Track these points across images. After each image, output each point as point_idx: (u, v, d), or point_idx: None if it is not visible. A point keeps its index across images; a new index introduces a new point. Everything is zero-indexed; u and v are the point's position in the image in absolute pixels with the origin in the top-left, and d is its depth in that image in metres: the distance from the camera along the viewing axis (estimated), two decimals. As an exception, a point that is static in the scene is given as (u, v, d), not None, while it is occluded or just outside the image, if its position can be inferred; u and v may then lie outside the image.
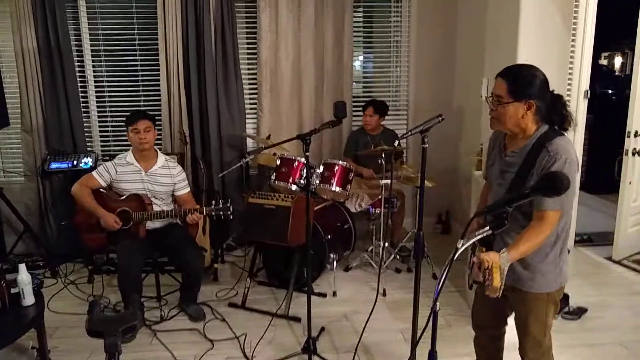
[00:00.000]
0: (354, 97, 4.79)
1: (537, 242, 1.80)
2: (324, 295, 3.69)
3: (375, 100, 4.42)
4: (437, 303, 1.60)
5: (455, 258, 1.53)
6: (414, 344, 2.26)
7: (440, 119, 2.17)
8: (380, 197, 3.92)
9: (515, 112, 1.83)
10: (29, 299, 2.41)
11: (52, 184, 4.35)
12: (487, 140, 2.21)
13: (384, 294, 3.69)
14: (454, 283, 3.75)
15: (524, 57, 2.82)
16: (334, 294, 3.71)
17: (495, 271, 1.61)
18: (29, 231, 4.22)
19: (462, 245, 1.53)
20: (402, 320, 3.33)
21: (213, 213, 3.20)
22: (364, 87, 5.01)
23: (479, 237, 1.54)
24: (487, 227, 1.53)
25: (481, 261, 1.68)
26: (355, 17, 4.67)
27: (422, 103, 4.82)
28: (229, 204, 3.20)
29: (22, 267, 2.41)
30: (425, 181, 2.21)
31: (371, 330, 3.06)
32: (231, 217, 3.23)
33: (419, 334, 1.80)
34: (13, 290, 2.40)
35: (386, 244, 4.04)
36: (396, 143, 2.27)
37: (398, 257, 4.19)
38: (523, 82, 1.83)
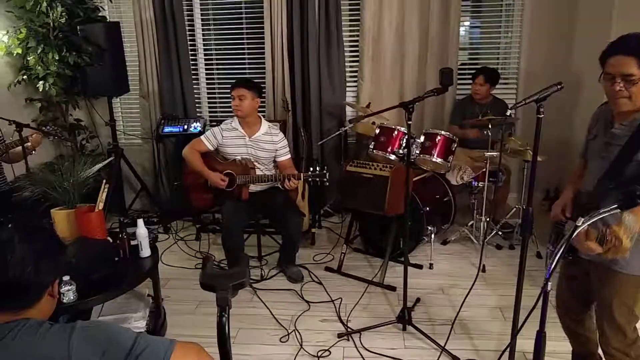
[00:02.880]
0: (459, 65, 4.56)
1: None
2: (420, 267, 3.64)
3: (487, 68, 4.17)
4: (549, 283, 1.51)
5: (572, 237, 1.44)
6: (516, 323, 2.16)
7: (559, 87, 1.99)
8: (484, 170, 3.74)
9: None
10: (146, 251, 2.62)
11: (165, 146, 4.66)
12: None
13: (484, 270, 3.56)
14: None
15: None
16: (431, 266, 3.65)
17: (621, 233, 1.53)
18: (145, 190, 4.59)
19: (583, 223, 1.42)
20: (501, 298, 3.21)
21: (310, 179, 3.27)
22: (470, 54, 4.75)
23: (603, 215, 1.41)
24: (615, 205, 1.40)
25: (610, 232, 1.59)
26: (463, -21, 4.41)
27: (534, 71, 4.47)
28: (324, 171, 3.24)
29: (140, 222, 2.62)
30: (537, 154, 2.06)
31: (468, 305, 2.98)
32: (327, 183, 3.28)
33: (524, 314, 1.71)
34: (132, 242, 2.62)
35: (488, 219, 3.87)
36: (508, 112, 2.13)
37: (500, 233, 4.01)
38: None
